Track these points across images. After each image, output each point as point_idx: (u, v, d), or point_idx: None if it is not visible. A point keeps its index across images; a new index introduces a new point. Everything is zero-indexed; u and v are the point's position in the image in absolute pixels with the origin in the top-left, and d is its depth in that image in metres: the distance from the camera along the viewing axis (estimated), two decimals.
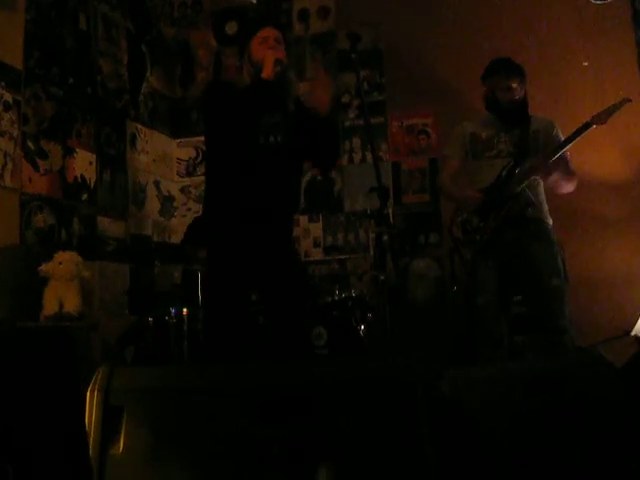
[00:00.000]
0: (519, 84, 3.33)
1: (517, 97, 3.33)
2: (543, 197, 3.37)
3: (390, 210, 4.48)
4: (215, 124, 2.89)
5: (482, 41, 4.71)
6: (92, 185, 4.18)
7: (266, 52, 2.78)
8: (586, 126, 3.15)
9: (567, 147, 3.23)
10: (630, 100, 3.14)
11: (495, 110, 3.39)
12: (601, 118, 3.14)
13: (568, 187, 3.36)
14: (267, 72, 2.74)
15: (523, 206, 3.26)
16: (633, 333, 3.93)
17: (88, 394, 1.50)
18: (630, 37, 4.56)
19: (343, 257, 5.07)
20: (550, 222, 3.34)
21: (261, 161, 2.78)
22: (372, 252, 4.81)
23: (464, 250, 3.42)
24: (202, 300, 3.23)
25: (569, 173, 3.33)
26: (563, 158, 3.27)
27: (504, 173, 3.31)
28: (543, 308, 3.23)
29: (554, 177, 3.26)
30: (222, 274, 2.77)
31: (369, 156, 5.03)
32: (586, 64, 4.52)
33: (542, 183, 3.37)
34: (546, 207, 3.36)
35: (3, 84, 3.49)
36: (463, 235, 3.44)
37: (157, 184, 4.93)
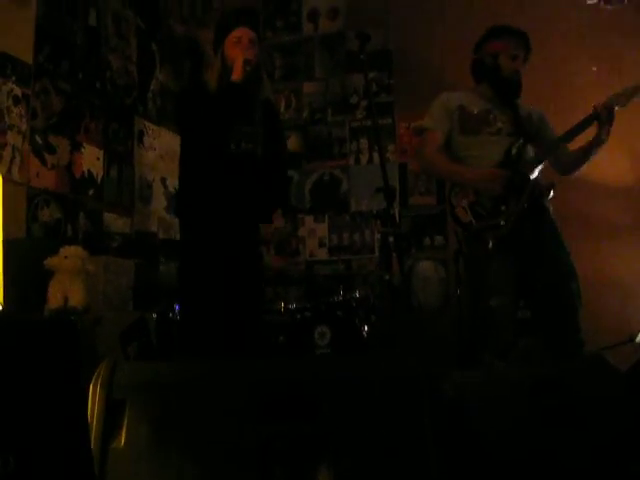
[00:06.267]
0: (525, 56, 3.04)
1: (520, 70, 3.03)
2: None
3: (396, 211, 4.48)
4: (188, 128, 2.96)
5: None
6: (99, 180, 4.18)
7: (237, 53, 2.81)
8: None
9: (582, 130, 2.94)
10: None
11: (493, 79, 3.06)
12: (620, 100, 2.84)
13: None
14: (236, 74, 2.77)
15: (543, 190, 2.94)
16: (638, 340, 3.92)
17: (91, 387, 1.50)
18: None
19: (348, 257, 5.07)
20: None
21: (232, 168, 2.86)
22: (377, 253, 4.82)
23: (470, 244, 3.02)
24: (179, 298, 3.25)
25: None
26: None
27: (514, 151, 2.96)
28: (560, 313, 2.96)
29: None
30: (196, 273, 2.84)
31: (376, 157, 5.04)
32: (595, 69, 4.51)
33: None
34: None
35: (13, 78, 3.50)
36: (477, 221, 2.94)
37: (164, 181, 4.92)
